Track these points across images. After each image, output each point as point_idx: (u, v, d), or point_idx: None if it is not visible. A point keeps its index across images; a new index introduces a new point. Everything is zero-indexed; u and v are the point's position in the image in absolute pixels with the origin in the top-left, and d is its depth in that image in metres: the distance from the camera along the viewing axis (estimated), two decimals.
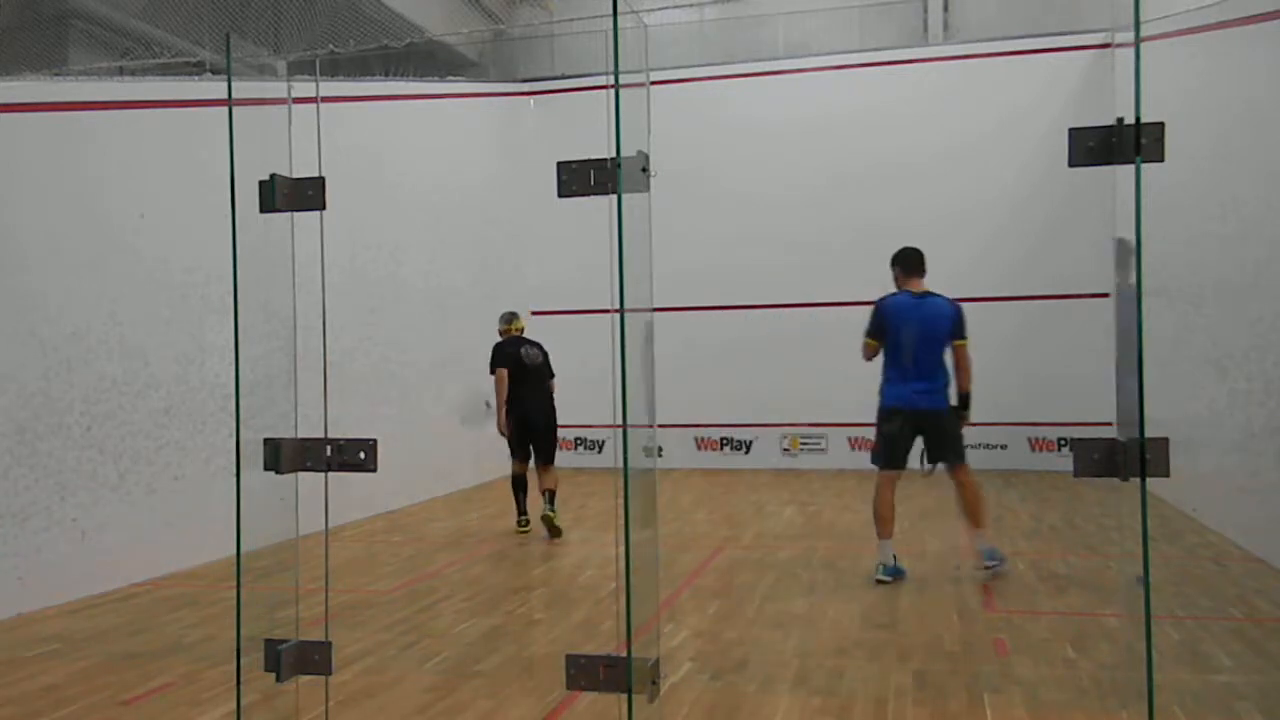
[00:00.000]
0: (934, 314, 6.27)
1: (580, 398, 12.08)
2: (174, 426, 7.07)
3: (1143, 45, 2.28)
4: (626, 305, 2.51)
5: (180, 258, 7.15)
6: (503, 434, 8.28)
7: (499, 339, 8.49)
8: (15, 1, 8.79)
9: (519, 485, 8.39)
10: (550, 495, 8.02)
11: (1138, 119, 2.28)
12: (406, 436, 9.69)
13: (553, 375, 8.48)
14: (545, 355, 8.45)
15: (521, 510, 8.34)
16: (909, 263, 6.40)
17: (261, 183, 2.88)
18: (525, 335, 8.63)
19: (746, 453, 12.75)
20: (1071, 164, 2.36)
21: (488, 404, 8.65)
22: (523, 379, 8.22)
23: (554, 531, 7.99)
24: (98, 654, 5.08)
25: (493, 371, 8.26)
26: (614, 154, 2.48)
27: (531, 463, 8.35)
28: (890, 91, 12.29)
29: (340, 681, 4.42)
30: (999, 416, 11.67)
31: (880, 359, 6.36)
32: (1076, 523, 8.36)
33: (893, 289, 6.44)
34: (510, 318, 8.71)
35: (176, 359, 7.12)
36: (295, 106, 3.00)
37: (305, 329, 3.05)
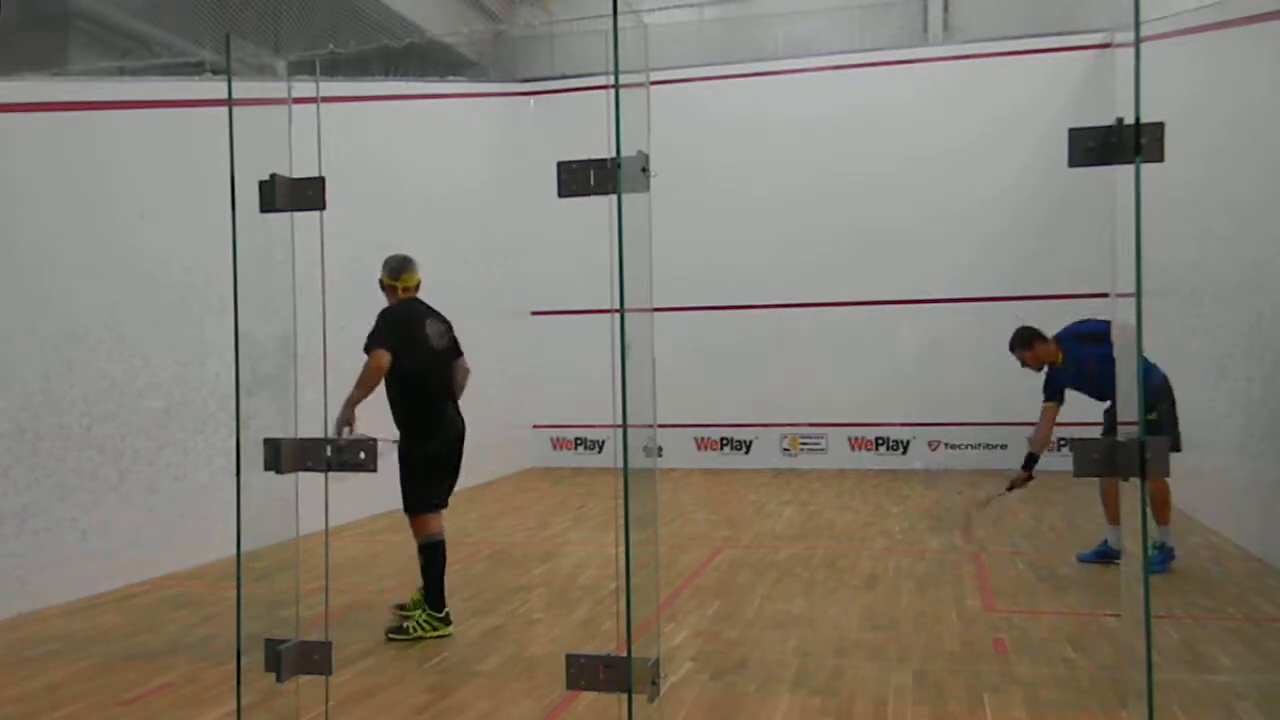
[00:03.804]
0: None
1: (580, 398, 12.11)
2: (174, 426, 7.07)
3: (1143, 45, 2.28)
4: (626, 305, 2.51)
5: (180, 258, 7.15)
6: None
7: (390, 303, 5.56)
8: (15, 1, 8.79)
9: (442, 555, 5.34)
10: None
11: (1137, 119, 2.27)
12: None
13: (461, 355, 5.53)
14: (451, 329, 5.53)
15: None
16: None
17: (262, 183, 2.89)
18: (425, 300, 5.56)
19: (746, 453, 12.75)
20: (1071, 164, 2.36)
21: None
22: (432, 370, 5.34)
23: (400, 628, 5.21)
24: (98, 654, 5.08)
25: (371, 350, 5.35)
26: (614, 154, 2.49)
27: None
28: (890, 91, 12.29)
29: (340, 681, 4.42)
30: (999, 416, 11.70)
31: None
32: (1076, 523, 8.35)
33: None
34: (402, 266, 5.47)
35: (176, 359, 7.12)
36: (295, 106, 3.00)
37: (305, 329, 3.05)
